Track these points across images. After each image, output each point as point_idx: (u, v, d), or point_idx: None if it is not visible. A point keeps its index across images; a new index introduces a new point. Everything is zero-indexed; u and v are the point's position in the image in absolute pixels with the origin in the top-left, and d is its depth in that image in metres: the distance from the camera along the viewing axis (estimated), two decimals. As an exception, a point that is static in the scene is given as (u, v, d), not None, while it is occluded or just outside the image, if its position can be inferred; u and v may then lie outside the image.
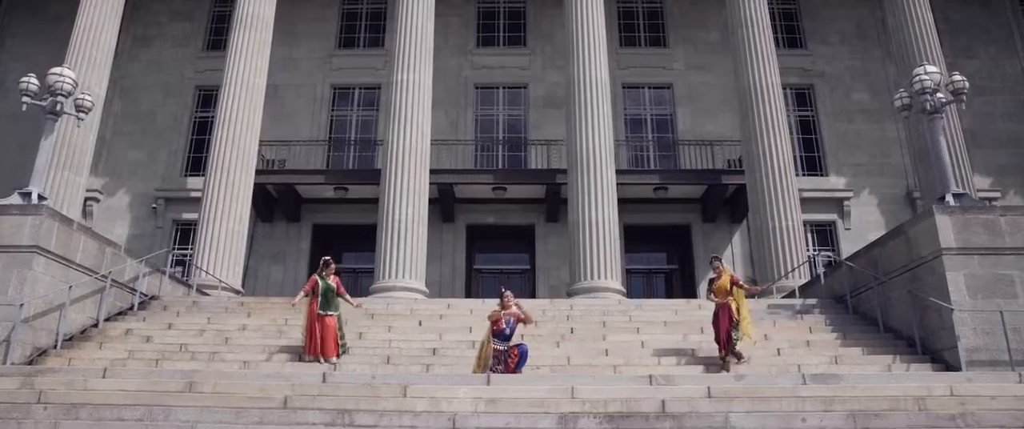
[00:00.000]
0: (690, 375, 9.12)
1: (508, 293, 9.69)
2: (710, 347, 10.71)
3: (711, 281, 10.98)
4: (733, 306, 10.42)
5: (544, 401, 7.68)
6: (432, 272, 19.83)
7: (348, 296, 11.27)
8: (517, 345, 9.47)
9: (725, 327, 10.29)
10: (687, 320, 12.39)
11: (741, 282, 10.74)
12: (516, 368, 9.26)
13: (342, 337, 10.73)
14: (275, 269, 21.03)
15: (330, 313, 10.65)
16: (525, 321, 9.65)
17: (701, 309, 13.25)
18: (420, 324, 12.26)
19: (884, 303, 11.92)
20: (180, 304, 13.51)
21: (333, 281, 10.99)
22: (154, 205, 21.64)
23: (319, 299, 10.67)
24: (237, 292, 16.44)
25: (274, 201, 21.27)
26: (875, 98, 22.54)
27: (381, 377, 8.45)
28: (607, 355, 10.69)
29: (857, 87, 22.69)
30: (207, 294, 15.24)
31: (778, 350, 10.95)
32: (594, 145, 17.65)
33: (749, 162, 18.39)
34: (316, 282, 10.88)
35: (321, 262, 11.19)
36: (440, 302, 14.01)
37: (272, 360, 10.59)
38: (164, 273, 14.70)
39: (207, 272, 16.45)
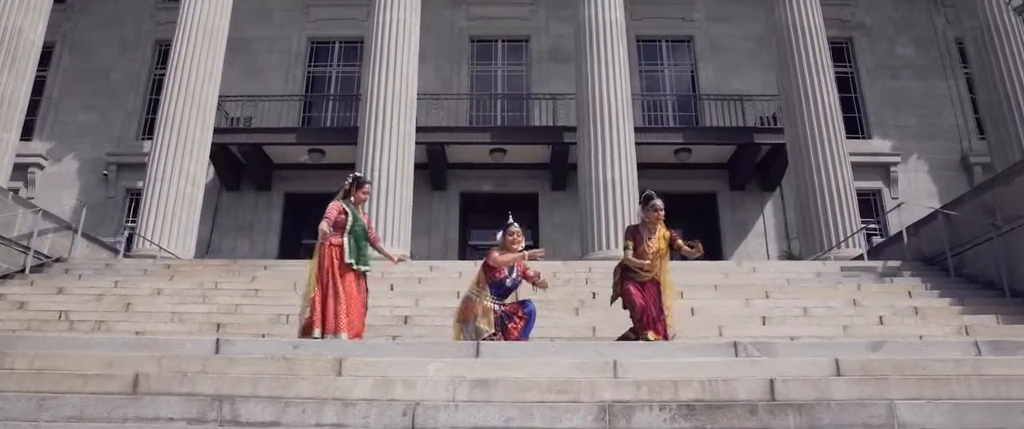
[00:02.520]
0: (791, 344, 5.78)
1: (516, 227, 6.37)
2: (791, 317, 7.44)
3: (634, 231, 6.44)
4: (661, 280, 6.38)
5: (570, 384, 4.40)
6: (420, 246, 16.62)
7: (383, 245, 6.75)
8: (522, 302, 6.18)
9: (653, 304, 6.22)
10: (744, 283, 9.14)
11: (681, 241, 6.46)
12: (521, 335, 5.98)
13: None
14: (241, 243, 17.73)
15: (363, 268, 6.26)
16: (534, 282, 6.32)
17: (756, 272, 10.04)
18: (392, 288, 8.98)
19: (1010, 259, 8.65)
20: (89, 267, 10.25)
21: (366, 218, 6.52)
22: (105, 172, 18.34)
23: (346, 242, 6.17)
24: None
25: (241, 166, 18.00)
26: (922, 53, 19.27)
27: (309, 347, 5.16)
28: (646, 325, 7.40)
29: (901, 41, 19.41)
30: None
31: (880, 318, 7.67)
32: (609, 94, 14.43)
33: (789, 113, 15.15)
34: (342, 212, 6.25)
35: (350, 179, 6.44)
36: (421, 264, 10.76)
37: (178, 329, 7.32)
38: (75, 231, 11.39)
39: (150, 240, 13.21)
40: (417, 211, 15.41)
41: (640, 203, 6.55)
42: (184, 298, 8.48)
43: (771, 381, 4.37)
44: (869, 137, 18.59)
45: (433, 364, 4.73)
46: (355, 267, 6.18)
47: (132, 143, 18.64)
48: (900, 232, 11.36)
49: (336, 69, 19.54)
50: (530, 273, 6.24)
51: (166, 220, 13.61)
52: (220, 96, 16.06)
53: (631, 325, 6.53)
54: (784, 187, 17.81)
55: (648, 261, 6.30)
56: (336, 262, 6.14)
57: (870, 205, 18.02)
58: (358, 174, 6.56)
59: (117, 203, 18.16)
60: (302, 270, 9.17)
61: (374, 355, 4.96)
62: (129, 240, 15.71)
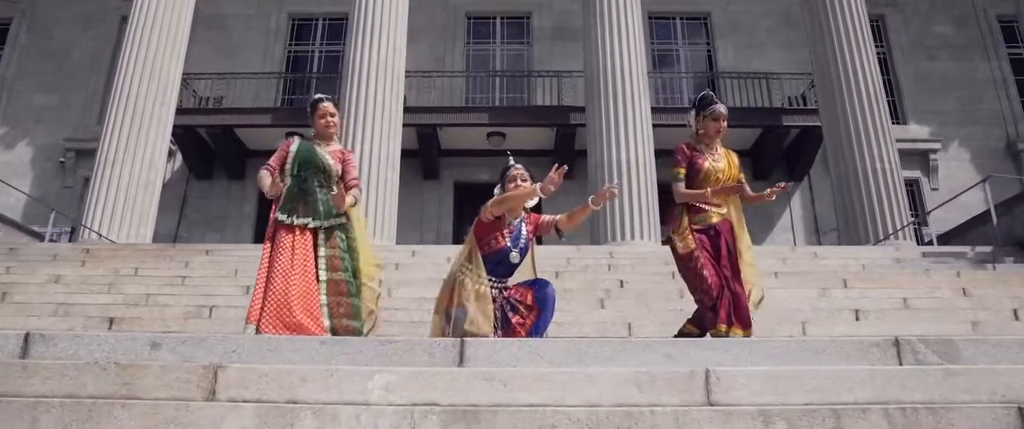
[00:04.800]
0: (977, 343, 3.55)
1: (519, 169, 4.29)
2: (891, 310, 5.29)
3: (691, 149, 4.27)
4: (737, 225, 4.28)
5: (634, 417, 2.25)
6: (410, 240, 14.45)
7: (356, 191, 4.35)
8: (534, 283, 4.03)
9: (735, 279, 4.17)
10: (809, 270, 7.01)
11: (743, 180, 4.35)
12: (534, 330, 3.83)
13: (352, 290, 4.16)
14: (211, 237, 15.50)
15: (314, 222, 4.19)
16: (559, 229, 4.19)
17: (818, 257, 7.91)
18: (358, 275, 6.84)
19: None
20: (-15, 253, 8.10)
21: (332, 153, 4.32)
22: (62, 159, 16.20)
23: (285, 185, 4.24)
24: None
25: (212, 153, 15.87)
26: (961, 31, 17.22)
27: (175, 347, 3.00)
28: (698, 321, 5.27)
29: (938, 18, 17.36)
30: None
31: (1014, 313, 5.53)
32: (622, 65, 12.41)
33: (825, 90, 13.10)
34: (287, 150, 4.30)
35: (310, 103, 4.43)
36: (402, 249, 8.64)
37: (53, 325, 5.16)
38: (-19, 210, 9.27)
39: (96, 231, 11.15)
40: (407, 202, 13.44)
41: (693, 109, 4.33)
42: (85, 287, 6.34)
43: (1020, 409, 2.23)
44: (905, 122, 16.51)
45: (380, 377, 2.58)
46: (286, 222, 4.15)
47: (93, 128, 16.43)
48: (986, 211, 9.24)
49: (319, 48, 17.45)
50: (545, 219, 4.14)
51: (117, 208, 11.59)
52: (189, 74, 14.07)
53: (689, 317, 4.41)
54: (813, 177, 15.82)
55: (705, 194, 4.09)
56: (270, 221, 4.26)
57: (909, 196, 15.89)
58: (322, 97, 4.46)
59: (75, 193, 15.99)
60: (254, 254, 7.08)
61: (281, 361, 2.81)
62: (74, 231, 13.63)
